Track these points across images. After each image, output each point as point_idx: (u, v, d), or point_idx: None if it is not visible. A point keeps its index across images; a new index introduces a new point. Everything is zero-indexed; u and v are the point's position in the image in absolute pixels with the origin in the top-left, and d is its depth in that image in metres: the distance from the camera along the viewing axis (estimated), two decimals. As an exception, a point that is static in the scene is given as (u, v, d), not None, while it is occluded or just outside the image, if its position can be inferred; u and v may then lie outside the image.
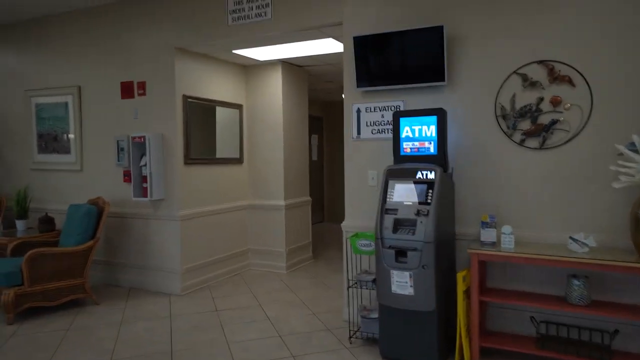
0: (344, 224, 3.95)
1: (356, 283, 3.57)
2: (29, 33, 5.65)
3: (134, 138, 4.81)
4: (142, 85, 4.94)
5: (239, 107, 5.68)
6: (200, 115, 5.10)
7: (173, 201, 4.87)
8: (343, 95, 4.02)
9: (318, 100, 9.45)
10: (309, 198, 6.28)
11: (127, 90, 5.05)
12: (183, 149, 4.88)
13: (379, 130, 3.75)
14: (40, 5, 5.14)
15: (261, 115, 5.75)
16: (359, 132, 3.84)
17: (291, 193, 5.87)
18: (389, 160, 3.68)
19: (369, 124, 3.79)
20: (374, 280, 3.40)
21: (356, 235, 3.58)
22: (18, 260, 4.32)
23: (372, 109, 3.76)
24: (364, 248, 3.44)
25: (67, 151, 5.51)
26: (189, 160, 4.96)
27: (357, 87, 3.73)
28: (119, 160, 5.09)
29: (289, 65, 5.75)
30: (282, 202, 5.69)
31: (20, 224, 5.28)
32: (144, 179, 4.87)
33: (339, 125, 10.07)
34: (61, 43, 5.43)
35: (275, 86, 5.64)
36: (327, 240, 7.78)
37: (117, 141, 5.07)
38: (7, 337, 3.81)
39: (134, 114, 5.02)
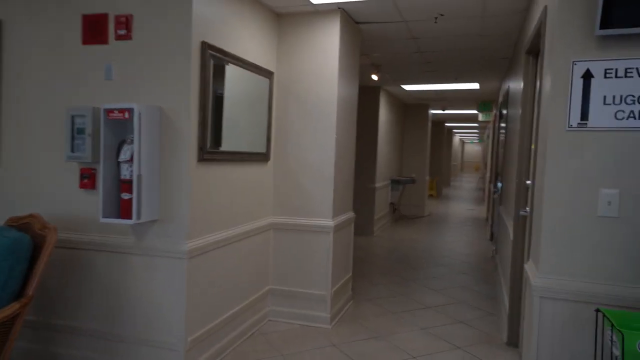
0: (537, 284, 2.15)
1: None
2: None
3: (109, 112, 2.66)
4: (125, 22, 2.80)
5: (268, 75, 3.67)
6: (219, 80, 3.04)
7: (176, 224, 2.79)
8: (548, 51, 2.24)
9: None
10: (352, 214, 4.39)
11: (94, 29, 2.87)
12: (197, 136, 2.82)
13: (634, 113, 2.00)
14: None
15: (301, 90, 3.78)
16: (584, 117, 2.06)
17: (339, 208, 3.96)
18: (658, 171, 1.95)
19: (610, 100, 2.02)
20: None
21: (630, 323, 1.79)
22: None
23: (623, 73, 2.00)
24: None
25: (-28, 131, 3.19)
26: (207, 154, 2.90)
27: (600, 27, 1.95)
28: (73, 151, 2.90)
29: (348, 19, 3.83)
30: (329, 222, 3.77)
31: None
32: (123, 185, 2.73)
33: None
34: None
35: (326, 48, 3.69)
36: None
37: (72, 117, 2.88)
38: None
39: (105, 71, 2.87)
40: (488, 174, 10.90)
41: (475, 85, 7.16)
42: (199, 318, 2.93)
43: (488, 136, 14.34)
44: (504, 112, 5.75)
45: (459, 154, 29.99)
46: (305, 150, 3.79)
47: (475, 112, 11.20)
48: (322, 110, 3.72)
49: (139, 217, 2.67)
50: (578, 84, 2.06)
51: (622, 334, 1.72)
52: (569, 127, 2.08)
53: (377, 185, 8.08)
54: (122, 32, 2.81)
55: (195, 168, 2.81)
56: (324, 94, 3.71)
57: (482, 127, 16.53)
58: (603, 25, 1.94)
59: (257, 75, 3.48)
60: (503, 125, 5.83)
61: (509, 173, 4.54)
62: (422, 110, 10.46)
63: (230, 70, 3.13)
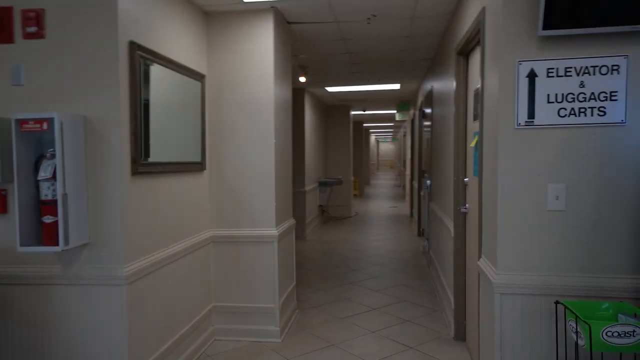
0: (497, 281, 2.19)
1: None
2: None
3: (23, 123, 2.31)
4: (35, 18, 2.45)
5: (200, 78, 3.44)
6: (149, 84, 2.78)
7: (110, 247, 2.49)
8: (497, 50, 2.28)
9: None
10: (293, 221, 4.27)
11: (-5, 27, 2.49)
12: (130, 147, 2.54)
13: (574, 110, 2.10)
14: None
15: (236, 94, 3.59)
16: (531, 115, 2.13)
17: (281, 216, 3.83)
18: (599, 163, 2.07)
19: (554, 98, 2.11)
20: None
21: (591, 313, 1.86)
22: None
23: (563, 72, 2.10)
24: (621, 341, 1.75)
25: None
26: (142, 167, 2.63)
27: (543, 28, 2.03)
28: (-24, 170, 2.49)
29: (281, 18, 3.71)
30: (273, 231, 3.62)
31: None
32: (45, 206, 2.39)
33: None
34: None
35: (260, 49, 3.53)
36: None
37: (-25, 130, 2.47)
38: None
39: (12, 74, 2.49)
40: (408, 172, 11.31)
41: (396, 86, 7.37)
42: (142, 349, 2.65)
43: (404, 134, 14.93)
44: (428, 111, 5.96)
45: (375, 153, 31.02)
46: (243, 157, 3.61)
47: (392, 112, 11.60)
48: (259, 114, 3.56)
49: (67, 243, 2.34)
50: (524, 83, 2.13)
51: (589, 325, 1.79)
52: (517, 125, 2.15)
53: (307, 188, 8.03)
54: (32, 29, 2.45)
55: (129, 183, 2.53)
56: (261, 97, 3.55)
57: (397, 126, 17.20)
58: (545, 26, 2.02)
59: (188, 79, 3.25)
60: (428, 123, 6.04)
61: (440, 170, 4.69)
62: (344, 111, 10.61)
63: (162, 73, 2.88)
